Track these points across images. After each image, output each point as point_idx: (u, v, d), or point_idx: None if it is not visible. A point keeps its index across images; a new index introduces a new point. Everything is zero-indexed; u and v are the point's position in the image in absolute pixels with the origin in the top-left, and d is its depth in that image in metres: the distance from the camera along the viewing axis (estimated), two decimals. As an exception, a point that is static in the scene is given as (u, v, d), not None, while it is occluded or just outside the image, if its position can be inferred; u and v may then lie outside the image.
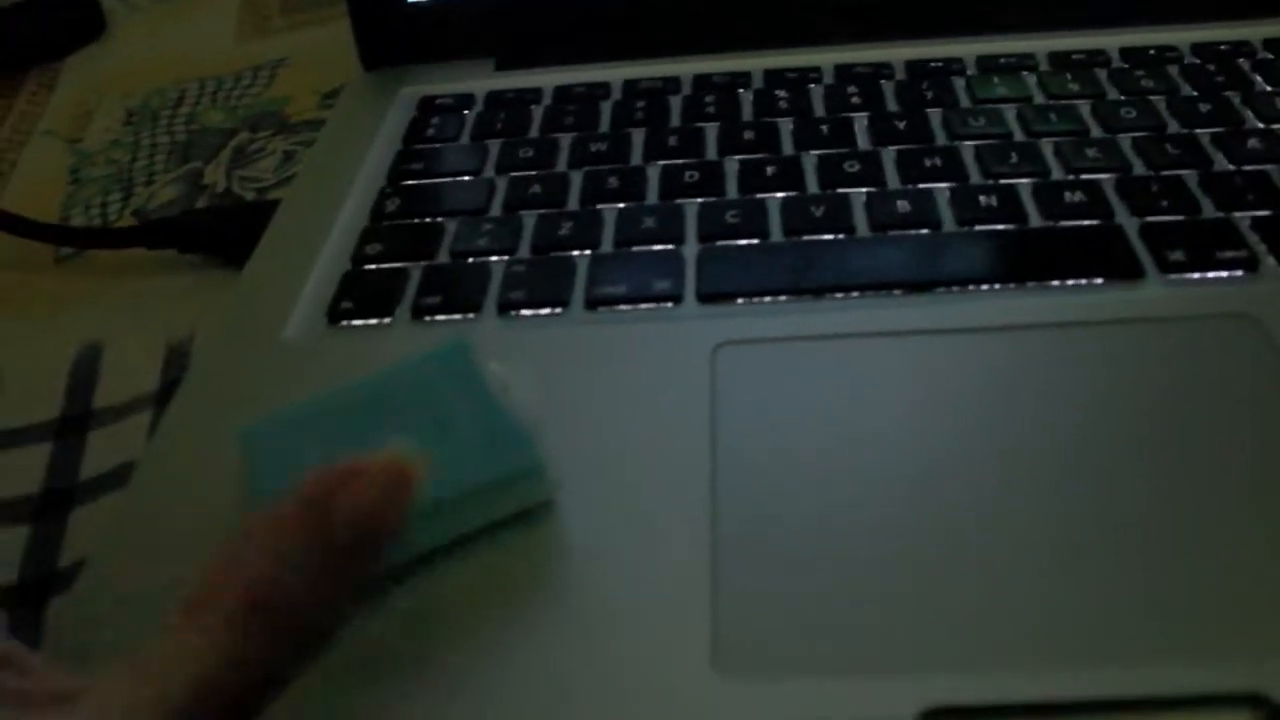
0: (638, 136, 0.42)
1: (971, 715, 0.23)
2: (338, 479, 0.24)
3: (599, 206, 0.38)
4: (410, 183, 0.42)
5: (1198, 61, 0.43)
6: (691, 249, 0.36)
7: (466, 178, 0.41)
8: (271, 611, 0.22)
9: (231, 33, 0.64)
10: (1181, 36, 0.44)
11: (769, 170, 0.39)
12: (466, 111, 0.45)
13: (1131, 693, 0.23)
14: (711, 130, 0.42)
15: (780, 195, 0.38)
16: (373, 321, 0.35)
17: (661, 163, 0.40)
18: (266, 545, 0.23)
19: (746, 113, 0.43)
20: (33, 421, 0.38)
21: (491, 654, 0.25)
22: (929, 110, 0.42)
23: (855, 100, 0.43)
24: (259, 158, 0.51)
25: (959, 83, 0.43)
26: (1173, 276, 0.33)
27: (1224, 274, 0.33)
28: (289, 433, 0.29)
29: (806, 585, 0.25)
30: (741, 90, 0.44)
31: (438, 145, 0.44)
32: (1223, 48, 0.43)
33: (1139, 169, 0.37)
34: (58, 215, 0.50)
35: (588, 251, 0.36)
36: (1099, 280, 0.33)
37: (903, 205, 0.37)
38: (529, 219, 0.38)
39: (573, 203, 0.39)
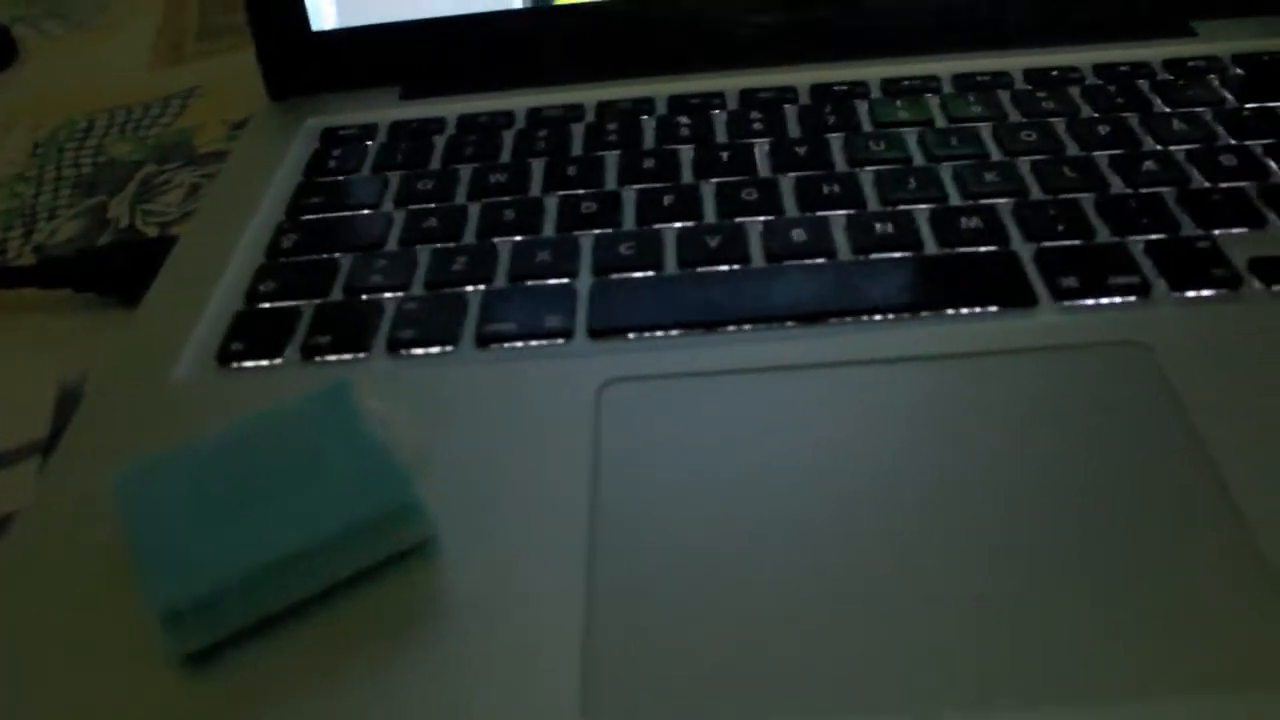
0: (538, 166, 0.42)
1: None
2: None
3: (495, 240, 0.38)
4: (308, 217, 0.41)
5: (1099, 82, 0.43)
6: (585, 282, 0.36)
7: (364, 211, 0.41)
8: None
9: (145, 60, 0.63)
10: (1085, 57, 0.45)
11: (666, 200, 0.39)
12: (369, 142, 0.45)
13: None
14: (612, 159, 0.41)
15: (677, 225, 0.38)
16: (263, 362, 0.35)
17: (560, 193, 0.40)
18: None
19: (648, 140, 0.43)
20: (-82, 469, 0.37)
21: (365, 701, 0.25)
22: (830, 135, 0.41)
23: (757, 126, 0.42)
24: (165, 191, 0.51)
25: (862, 106, 0.43)
26: (1066, 303, 0.33)
27: (1117, 300, 0.33)
28: (164, 476, 0.28)
29: (683, 634, 0.25)
30: (645, 117, 0.44)
31: (338, 178, 0.43)
32: (1123, 69, 0.43)
33: (1036, 193, 0.37)
34: (-43, 253, 0.49)
35: (481, 286, 0.36)
36: (993, 308, 0.33)
37: (799, 234, 0.36)
38: (424, 253, 0.38)
39: (469, 236, 0.38)
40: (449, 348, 0.34)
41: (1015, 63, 0.45)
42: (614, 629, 0.25)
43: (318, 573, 0.27)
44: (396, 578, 0.27)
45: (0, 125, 0.59)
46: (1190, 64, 0.43)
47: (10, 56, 0.65)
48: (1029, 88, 0.43)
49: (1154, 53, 0.44)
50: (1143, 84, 0.42)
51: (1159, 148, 0.39)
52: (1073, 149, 0.39)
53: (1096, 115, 0.41)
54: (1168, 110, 0.41)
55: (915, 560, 0.26)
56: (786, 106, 0.43)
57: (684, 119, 0.43)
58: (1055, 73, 0.44)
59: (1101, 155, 0.39)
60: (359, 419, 0.28)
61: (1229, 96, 0.41)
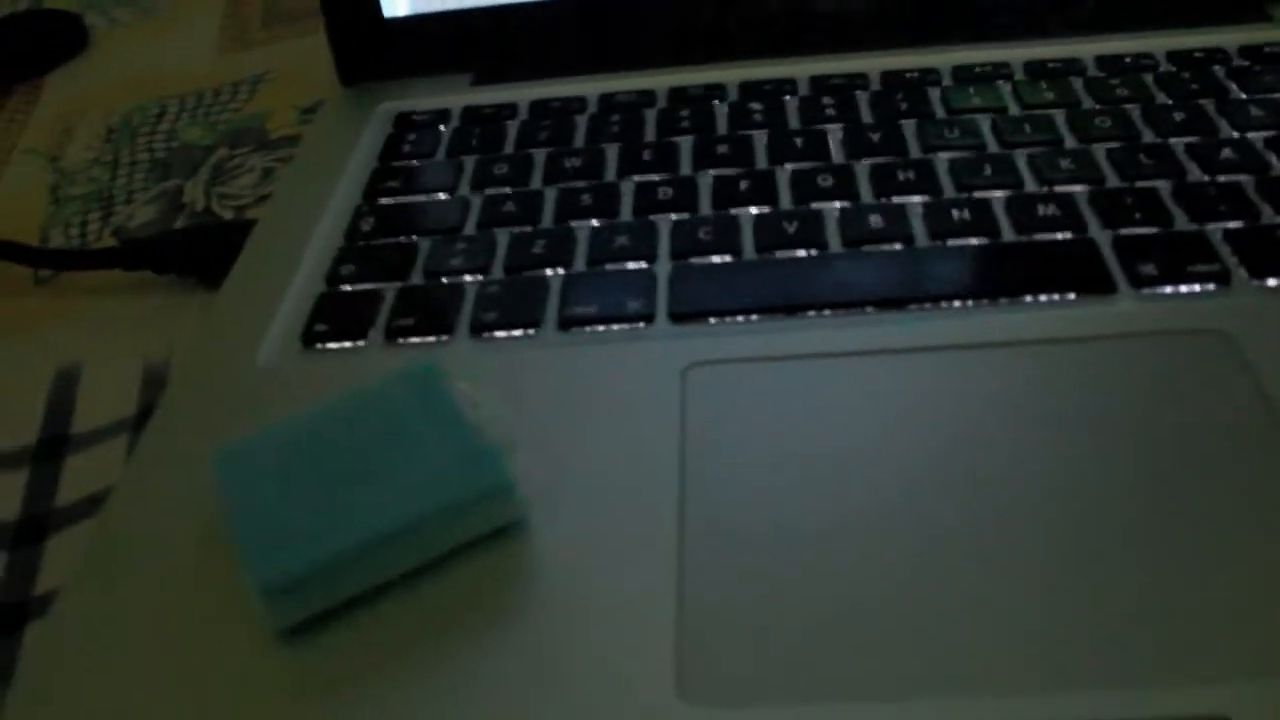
0: (612, 151, 0.42)
1: (936, 741, 0.23)
2: None
3: (572, 224, 0.38)
4: (385, 201, 0.41)
5: (1173, 69, 0.43)
6: (664, 267, 0.36)
7: (441, 196, 0.41)
8: None
9: (213, 46, 0.64)
10: (1158, 44, 0.44)
11: (743, 185, 0.39)
12: (443, 127, 0.45)
13: (1101, 716, 0.23)
14: (686, 144, 0.42)
15: (754, 211, 0.38)
16: (347, 344, 0.35)
17: (635, 178, 0.40)
18: None
19: (721, 126, 0.43)
20: (9, 447, 0.38)
21: (458, 677, 0.25)
22: (904, 122, 0.42)
23: (830, 112, 0.43)
24: (238, 175, 0.51)
25: (934, 93, 0.43)
26: (1145, 291, 0.33)
27: (1196, 288, 0.33)
28: (261, 455, 0.29)
29: (775, 611, 0.25)
30: (717, 103, 0.44)
31: (413, 162, 0.43)
32: (1198, 55, 0.43)
33: (1113, 181, 0.37)
34: (38, 235, 0.50)
35: (561, 270, 0.36)
36: (1071, 295, 0.33)
37: (876, 220, 0.37)
38: (503, 237, 0.38)
39: (547, 220, 0.39)
40: (531, 330, 0.34)
41: (1087, 49, 0.45)
42: (706, 607, 0.26)
43: (412, 551, 0.27)
44: (488, 556, 0.28)
45: (74, 111, 0.60)
46: (1267, 49, 0.43)
47: (82, 44, 0.66)
48: (1102, 74, 0.43)
49: (1229, 38, 0.44)
50: (1218, 70, 0.42)
51: (1236, 135, 0.39)
52: (1148, 136, 0.39)
53: (1172, 102, 0.41)
54: (1244, 96, 0.41)
55: (999, 540, 0.26)
56: (858, 93, 0.44)
57: (756, 105, 0.44)
58: (1128, 59, 0.44)
59: (1178, 142, 0.39)
60: (450, 400, 0.29)
61: (1306, 83, 0.41)
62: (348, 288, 0.37)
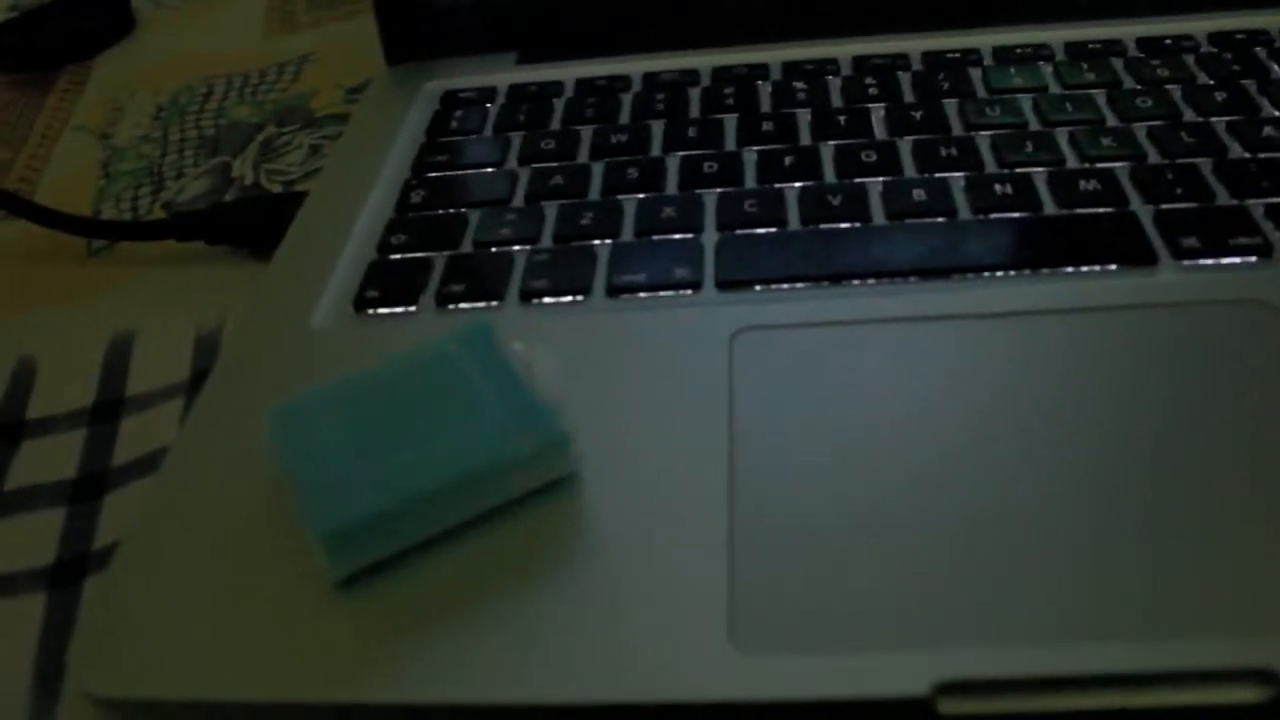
0: (657, 128, 0.43)
1: (984, 689, 0.24)
2: None
3: (619, 197, 0.39)
4: (434, 174, 0.42)
5: (1214, 50, 0.43)
6: (710, 237, 0.37)
7: (489, 169, 0.42)
8: None
9: (259, 29, 0.65)
10: (1198, 26, 0.45)
11: (787, 160, 0.40)
12: (489, 105, 0.46)
13: (1141, 668, 0.23)
14: (730, 121, 0.42)
15: (798, 185, 0.38)
16: (398, 310, 0.36)
17: (681, 153, 0.41)
18: None
19: (765, 104, 0.43)
20: (67, 409, 0.39)
21: (512, 626, 0.26)
22: (945, 101, 0.42)
23: (872, 91, 0.43)
24: (285, 151, 0.52)
25: (975, 73, 0.43)
26: (1186, 263, 0.34)
27: (1238, 260, 0.33)
28: (318, 412, 0.30)
29: (822, 562, 0.26)
30: (760, 82, 0.45)
31: (461, 138, 0.44)
32: (1239, 37, 0.44)
33: (1154, 157, 0.38)
34: (90, 208, 0.51)
35: (608, 241, 0.37)
36: (1113, 266, 0.34)
37: (919, 194, 0.37)
38: (550, 209, 0.39)
39: (594, 193, 0.40)
40: (580, 297, 0.35)
41: (1127, 31, 0.45)
42: (756, 559, 0.26)
43: (468, 503, 0.28)
44: (541, 510, 0.28)
45: (123, 91, 0.61)
46: (1308, 32, 0.43)
47: (129, 26, 0.68)
48: (1142, 55, 0.43)
49: (1270, 20, 0.44)
50: (1260, 51, 0.43)
51: (1277, 114, 0.39)
52: (1189, 115, 0.40)
53: (1213, 82, 0.41)
54: (1285, 78, 0.41)
55: (1045, 498, 0.27)
56: (900, 73, 0.44)
57: (799, 84, 0.44)
58: (1169, 41, 0.44)
59: (1219, 121, 0.39)
60: (504, 358, 0.29)
61: (1347, 65, 0.42)
62: (399, 256, 0.38)
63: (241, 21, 0.67)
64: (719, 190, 0.39)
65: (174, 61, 0.63)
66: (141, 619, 0.27)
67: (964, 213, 0.36)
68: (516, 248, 0.38)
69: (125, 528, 0.34)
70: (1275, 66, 0.42)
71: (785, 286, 0.34)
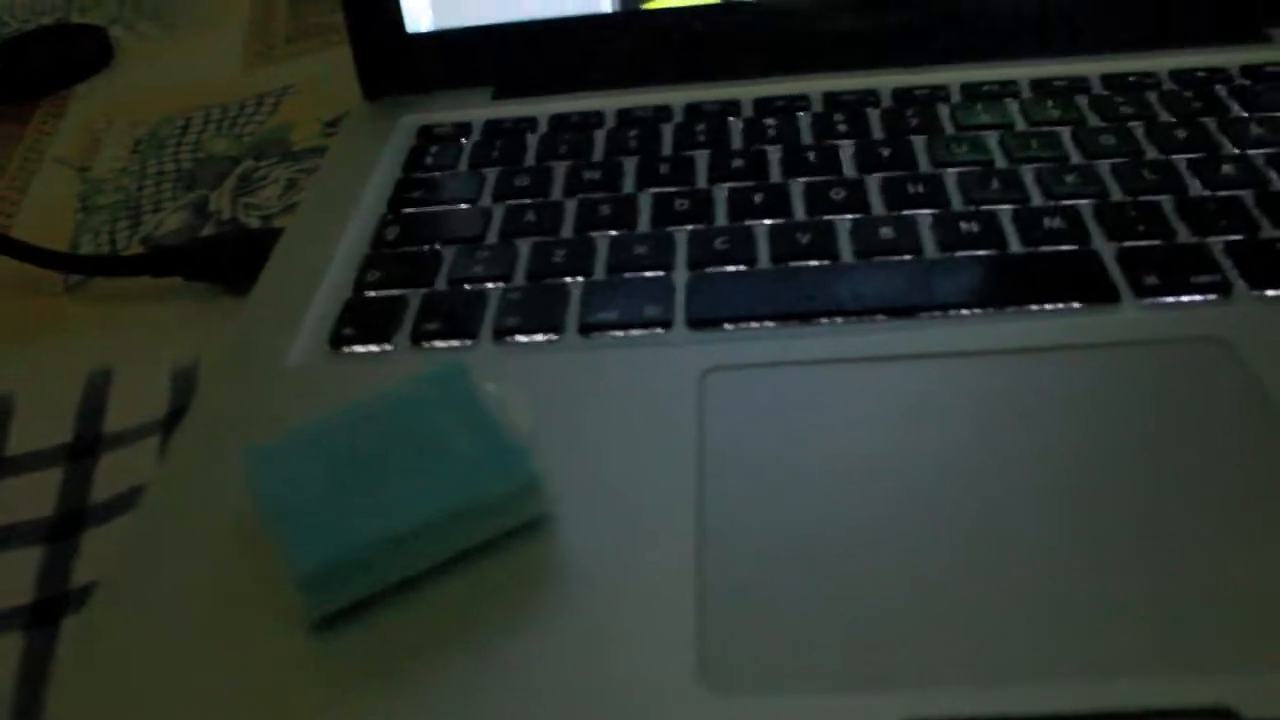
0: (630, 165, 0.43)
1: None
2: None
3: (592, 234, 0.40)
4: (410, 210, 0.43)
5: (1176, 88, 0.44)
6: (681, 275, 0.37)
7: (464, 206, 0.42)
8: None
9: (238, 61, 0.66)
10: (1161, 63, 0.46)
11: (757, 198, 0.40)
12: (464, 140, 0.47)
13: (1104, 706, 0.24)
14: (702, 158, 0.43)
15: (768, 222, 0.39)
16: (374, 348, 0.36)
17: (653, 190, 0.42)
18: None
19: (736, 141, 0.44)
20: (44, 446, 0.39)
21: (485, 668, 0.26)
22: (914, 137, 0.43)
23: (842, 128, 0.44)
24: (263, 185, 0.53)
25: (943, 109, 0.44)
26: (1148, 300, 0.34)
27: (1198, 297, 0.34)
28: (293, 452, 0.30)
29: (792, 602, 0.26)
30: (731, 118, 0.45)
31: (436, 174, 0.45)
32: (1200, 74, 0.45)
33: (1116, 194, 0.39)
34: (68, 242, 0.51)
35: (581, 278, 0.38)
36: (1076, 305, 0.34)
37: (887, 232, 0.38)
38: (524, 246, 0.39)
39: (567, 230, 0.40)
40: (553, 335, 0.35)
41: (1092, 68, 0.46)
42: (726, 599, 0.27)
43: (441, 545, 0.28)
44: (514, 551, 0.29)
45: (101, 123, 0.61)
46: (1267, 69, 0.44)
47: (107, 58, 0.68)
48: (1107, 93, 0.44)
49: (1230, 58, 0.45)
50: (1220, 89, 0.43)
51: (1237, 151, 0.40)
52: (1152, 152, 0.41)
53: (1174, 119, 0.42)
54: (1245, 115, 0.42)
55: (1007, 537, 0.27)
56: (869, 110, 0.45)
57: (770, 121, 0.45)
58: (1132, 78, 0.45)
59: (1180, 158, 0.40)
60: (476, 400, 0.30)
61: (1306, 102, 0.42)
62: (374, 293, 0.39)
63: (220, 53, 0.67)
64: (690, 227, 0.39)
65: (153, 93, 0.64)
66: (119, 660, 0.27)
67: (931, 250, 0.37)
68: (490, 285, 0.38)
69: (103, 567, 0.35)
70: (1235, 104, 0.43)
71: (755, 325, 0.35)
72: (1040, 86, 0.45)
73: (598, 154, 0.44)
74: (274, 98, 0.61)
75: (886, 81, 0.47)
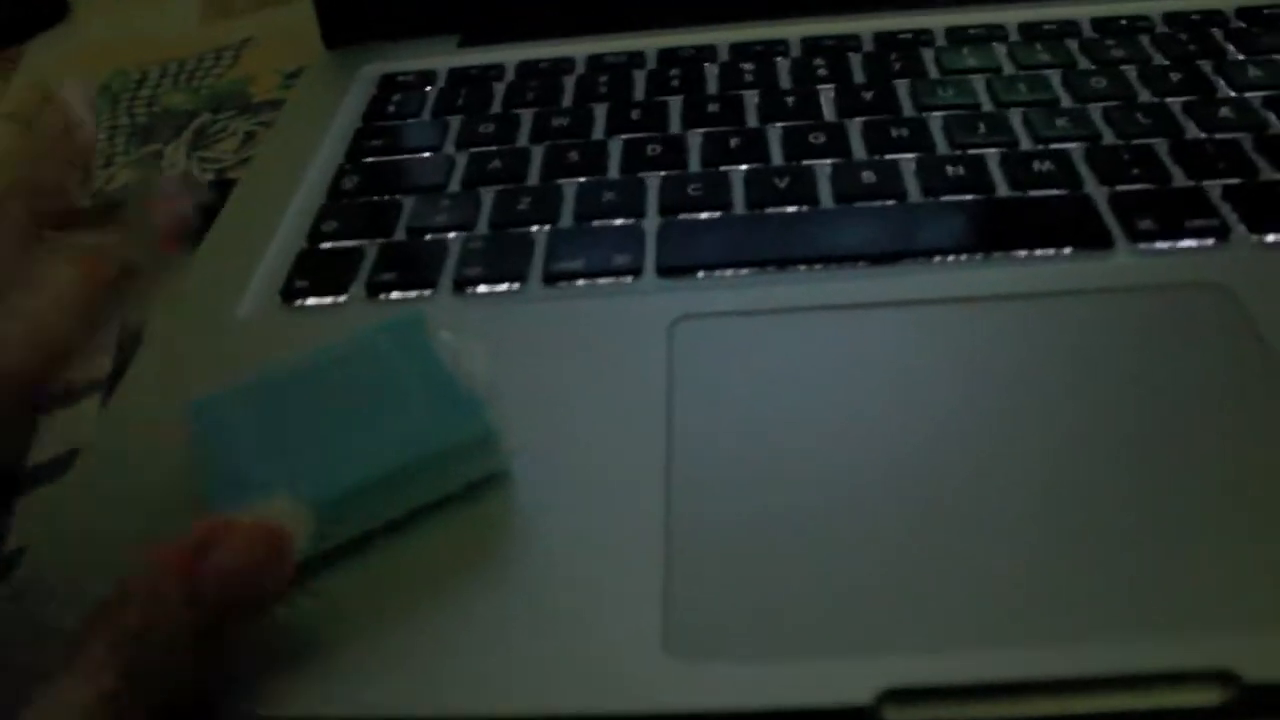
0: (600, 111, 0.41)
1: (931, 696, 0.22)
2: (209, 535, 0.23)
3: (559, 181, 0.38)
4: (369, 160, 0.41)
5: (1169, 31, 0.42)
6: (652, 222, 0.35)
7: (426, 154, 0.40)
8: (136, 677, 0.21)
9: (196, 14, 0.63)
10: (1154, 6, 0.44)
11: (732, 143, 0.38)
12: (428, 88, 0.45)
13: (1099, 670, 0.22)
14: (675, 104, 0.41)
15: (744, 168, 0.37)
16: (327, 300, 0.34)
17: (623, 136, 0.40)
18: (133, 609, 0.22)
19: (711, 86, 0.42)
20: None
21: (442, 632, 0.24)
22: (896, 82, 0.41)
23: (822, 73, 0.42)
24: (220, 139, 0.50)
25: (927, 54, 0.42)
26: (1143, 246, 0.32)
27: (1194, 243, 0.32)
28: (241, 405, 0.28)
29: (761, 565, 0.25)
30: (707, 64, 0.43)
31: (398, 122, 0.43)
32: (1195, 17, 0.43)
33: (1109, 138, 0.37)
34: (14, 199, 0.49)
35: (547, 226, 0.36)
36: (1068, 250, 0.33)
37: (868, 176, 0.36)
38: (488, 195, 0.38)
39: (533, 178, 0.38)
40: (516, 285, 0.34)
41: (1082, 11, 0.44)
42: (691, 561, 0.25)
43: (392, 501, 0.27)
44: (472, 508, 0.27)
45: (52, 79, 0.59)
46: (1265, 10, 0.42)
47: (62, 12, 0.65)
48: (1097, 36, 0.42)
49: (1225, 1, 0.43)
50: (1216, 32, 0.42)
51: (1234, 94, 0.38)
52: (1145, 95, 0.39)
53: (1168, 63, 0.40)
54: (1242, 57, 0.40)
55: (992, 495, 0.26)
56: (851, 54, 0.43)
57: (747, 65, 0.43)
58: (1124, 21, 0.43)
59: (1175, 102, 0.38)
60: (432, 350, 0.28)
61: (1305, 44, 0.41)
62: (329, 244, 0.37)
63: (178, 7, 0.64)
64: (662, 174, 0.37)
65: (108, 48, 0.61)
66: (44, 627, 0.26)
67: (914, 195, 0.35)
68: (451, 234, 0.36)
69: (36, 534, 0.33)
70: (1230, 47, 0.41)
71: (729, 272, 0.33)
72: (1028, 30, 0.43)
73: (567, 100, 0.42)
74: (233, 50, 0.58)
75: (868, 26, 0.45)
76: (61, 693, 0.21)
